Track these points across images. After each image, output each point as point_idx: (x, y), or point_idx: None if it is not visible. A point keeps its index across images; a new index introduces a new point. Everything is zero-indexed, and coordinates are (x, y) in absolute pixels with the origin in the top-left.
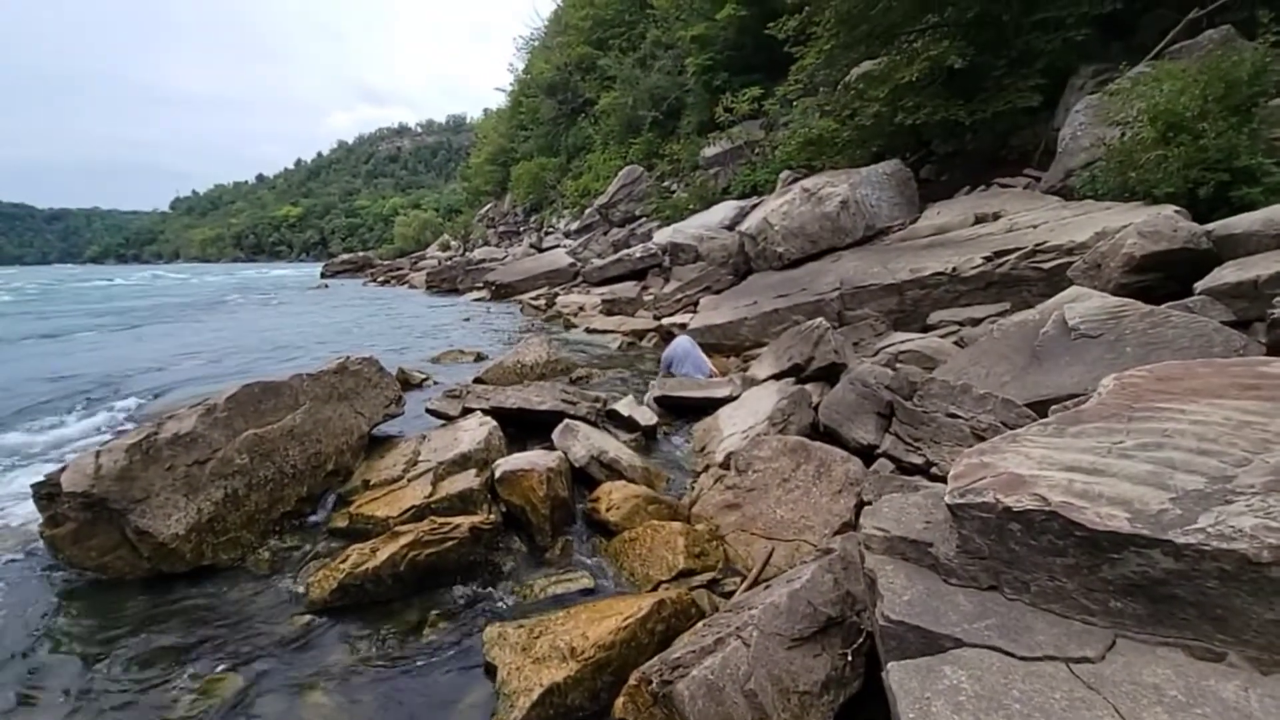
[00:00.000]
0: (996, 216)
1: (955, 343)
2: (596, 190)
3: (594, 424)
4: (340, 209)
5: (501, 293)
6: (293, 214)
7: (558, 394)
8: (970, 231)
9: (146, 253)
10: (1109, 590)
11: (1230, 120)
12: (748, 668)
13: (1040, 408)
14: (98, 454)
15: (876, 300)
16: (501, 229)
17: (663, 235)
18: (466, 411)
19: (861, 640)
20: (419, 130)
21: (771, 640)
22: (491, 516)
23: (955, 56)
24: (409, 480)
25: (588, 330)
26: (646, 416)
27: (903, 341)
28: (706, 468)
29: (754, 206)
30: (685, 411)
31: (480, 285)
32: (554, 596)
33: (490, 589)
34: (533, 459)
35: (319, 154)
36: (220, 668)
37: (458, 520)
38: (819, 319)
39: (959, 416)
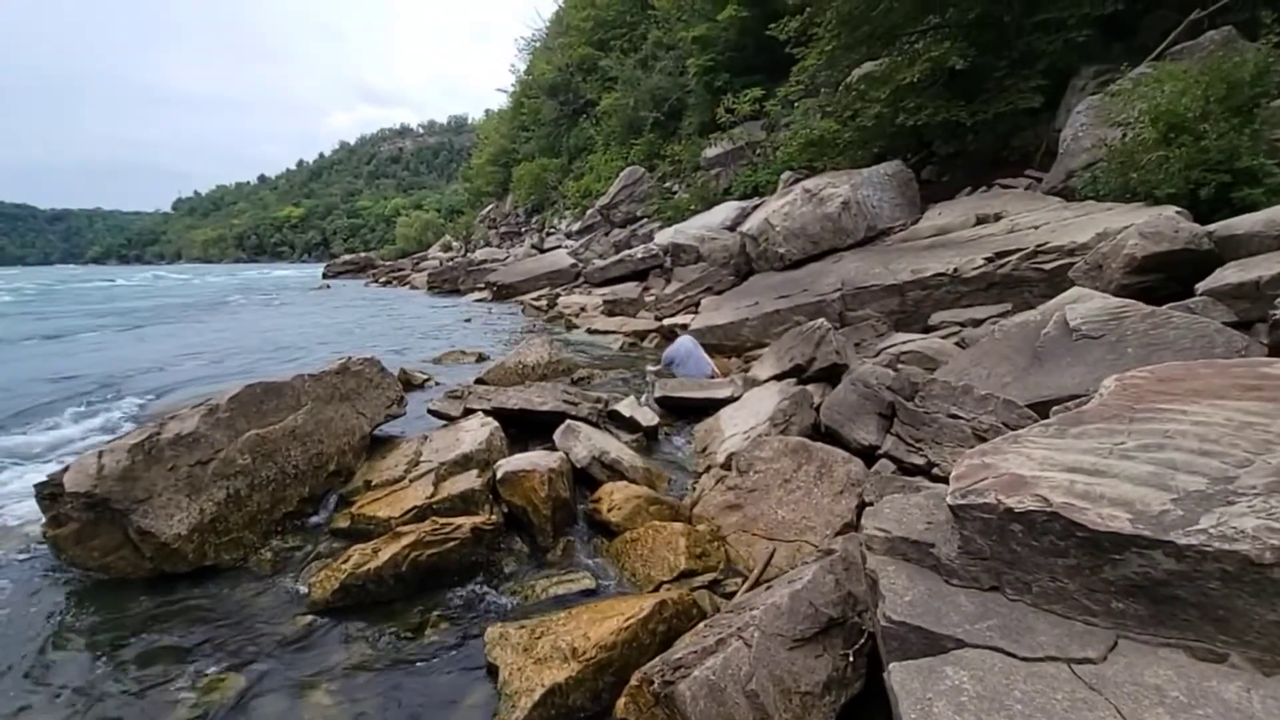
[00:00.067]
0: (998, 217)
1: (957, 344)
2: (598, 191)
3: (595, 425)
4: (342, 210)
5: (503, 293)
6: (294, 215)
7: (559, 395)
8: (972, 232)
9: (149, 253)
10: (1111, 591)
11: (1232, 121)
12: (749, 668)
13: (1042, 409)
14: (100, 454)
15: (878, 301)
16: (503, 230)
17: (664, 236)
18: (468, 412)
19: (863, 641)
20: (421, 131)
21: (773, 641)
22: (493, 517)
23: (957, 57)
24: (411, 481)
25: (589, 331)
26: (648, 417)
27: (904, 342)
28: (708, 468)
29: (755, 207)
30: (687, 412)
31: (482, 286)
32: (555, 597)
33: (492, 589)
34: (534, 459)
35: (321, 154)
36: (222, 667)
37: (459, 521)
38: (820, 320)
39: (960, 417)
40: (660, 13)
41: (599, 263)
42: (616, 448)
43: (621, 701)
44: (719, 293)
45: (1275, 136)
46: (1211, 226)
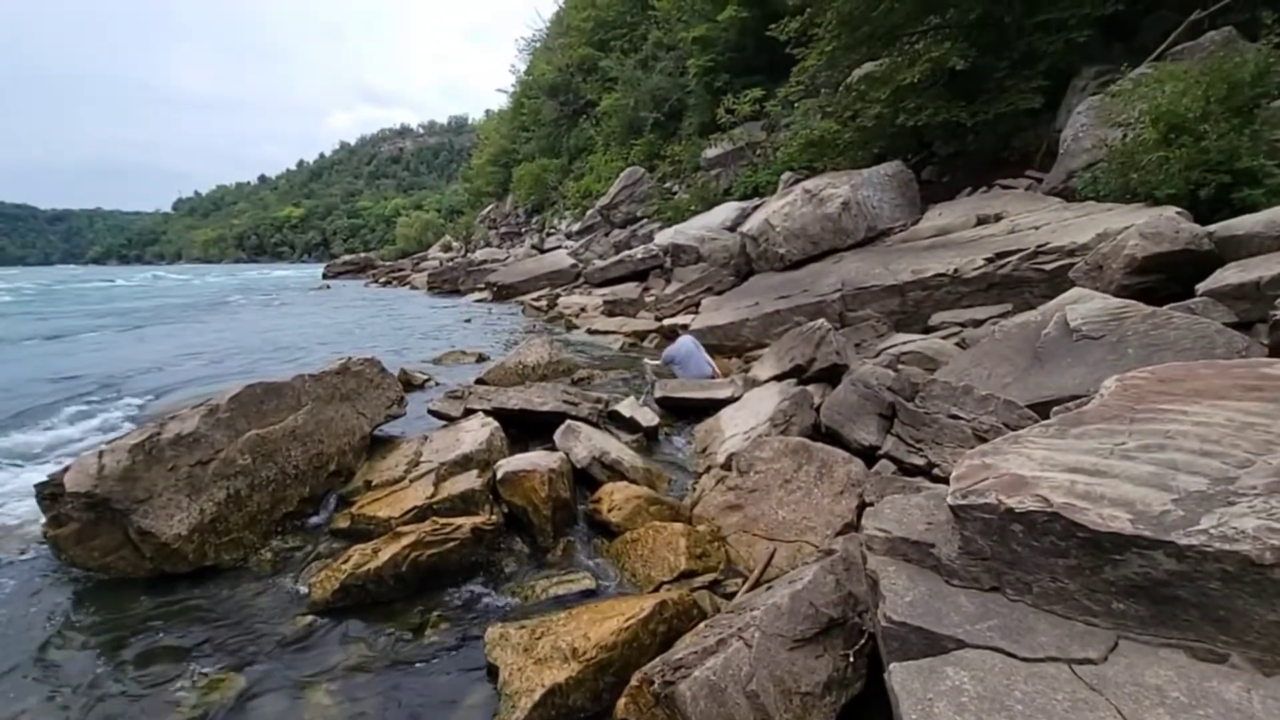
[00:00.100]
0: (998, 218)
1: (957, 344)
2: (598, 191)
3: (596, 425)
4: (342, 210)
5: (503, 294)
6: (295, 215)
7: (559, 395)
8: (972, 233)
9: (149, 253)
10: (1111, 591)
11: (1232, 122)
12: (750, 669)
13: (1042, 409)
14: (101, 454)
15: (878, 301)
16: (503, 230)
17: (664, 236)
18: (468, 412)
19: (863, 641)
20: (421, 131)
21: (773, 641)
22: (493, 517)
23: (957, 58)
24: (411, 481)
25: (589, 331)
26: (648, 417)
27: (904, 343)
28: (708, 469)
29: (755, 208)
30: (687, 412)
31: (482, 286)
32: (556, 597)
33: (492, 590)
34: (534, 460)
35: (321, 155)
36: (222, 668)
37: (459, 521)
38: (821, 320)
39: (961, 418)
40: (660, 13)
41: (599, 263)
42: (617, 448)
43: (622, 702)
44: (719, 293)
45: (1275, 137)
46: (1212, 227)
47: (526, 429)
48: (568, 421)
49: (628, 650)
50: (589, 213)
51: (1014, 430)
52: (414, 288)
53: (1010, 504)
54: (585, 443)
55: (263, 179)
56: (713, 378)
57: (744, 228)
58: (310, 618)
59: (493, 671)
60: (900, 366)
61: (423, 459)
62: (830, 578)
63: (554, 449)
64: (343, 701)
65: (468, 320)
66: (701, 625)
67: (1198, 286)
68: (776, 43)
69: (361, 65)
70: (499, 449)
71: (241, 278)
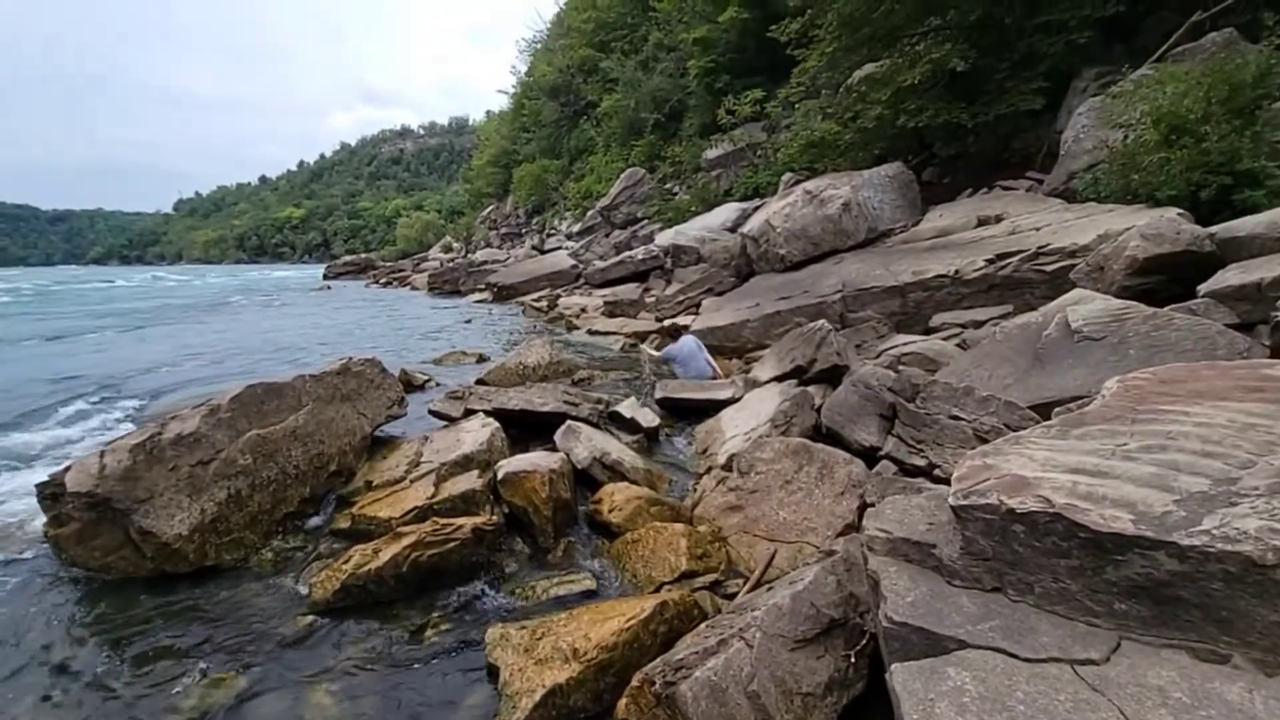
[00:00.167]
0: (999, 219)
1: (958, 345)
2: (598, 192)
3: (596, 425)
4: (343, 210)
5: (503, 294)
6: (295, 215)
7: (560, 395)
8: (973, 234)
9: (150, 254)
10: (1113, 592)
11: (1233, 123)
12: (750, 669)
13: (1043, 410)
14: (102, 454)
15: (879, 302)
16: (504, 231)
17: (665, 237)
18: (469, 413)
19: (865, 642)
20: (421, 132)
21: (774, 642)
22: (494, 518)
23: (958, 59)
24: (411, 481)
25: (590, 332)
26: (649, 418)
27: (905, 344)
28: (709, 469)
29: (756, 209)
30: (687, 413)
31: (482, 287)
32: (556, 598)
33: (492, 590)
34: (535, 460)
35: (321, 155)
36: (223, 668)
37: (460, 521)
38: (821, 321)
39: (962, 418)
40: (661, 14)
41: (599, 264)
42: (617, 449)
43: (622, 702)
44: (720, 294)
45: (1277, 138)
46: (1213, 228)
47: (527, 429)
48: (568, 422)
49: (628, 651)
50: (589, 214)
51: (1015, 431)
52: (414, 288)
53: (1012, 504)
54: (586, 443)
55: (263, 179)
56: (713, 378)
57: (744, 229)
58: (311, 618)
59: (493, 672)
60: (901, 367)
61: (423, 459)
62: (831, 578)
63: (555, 450)
64: (343, 701)
65: (468, 321)
66: (702, 626)
67: (1199, 288)
68: (777, 44)
69: (361, 65)
70: (500, 449)
71: (242, 278)
